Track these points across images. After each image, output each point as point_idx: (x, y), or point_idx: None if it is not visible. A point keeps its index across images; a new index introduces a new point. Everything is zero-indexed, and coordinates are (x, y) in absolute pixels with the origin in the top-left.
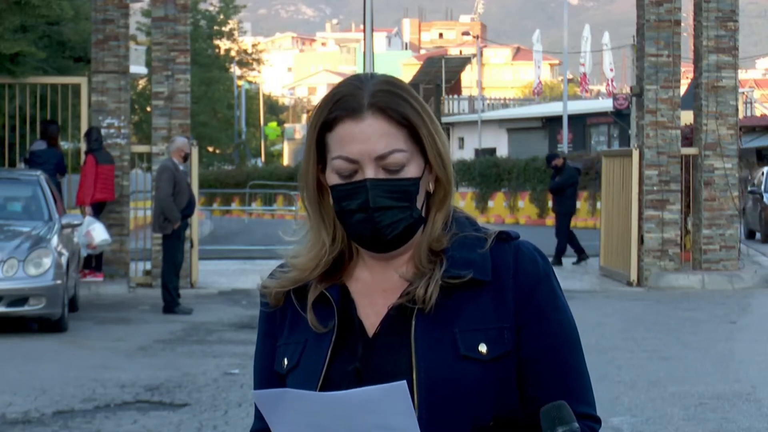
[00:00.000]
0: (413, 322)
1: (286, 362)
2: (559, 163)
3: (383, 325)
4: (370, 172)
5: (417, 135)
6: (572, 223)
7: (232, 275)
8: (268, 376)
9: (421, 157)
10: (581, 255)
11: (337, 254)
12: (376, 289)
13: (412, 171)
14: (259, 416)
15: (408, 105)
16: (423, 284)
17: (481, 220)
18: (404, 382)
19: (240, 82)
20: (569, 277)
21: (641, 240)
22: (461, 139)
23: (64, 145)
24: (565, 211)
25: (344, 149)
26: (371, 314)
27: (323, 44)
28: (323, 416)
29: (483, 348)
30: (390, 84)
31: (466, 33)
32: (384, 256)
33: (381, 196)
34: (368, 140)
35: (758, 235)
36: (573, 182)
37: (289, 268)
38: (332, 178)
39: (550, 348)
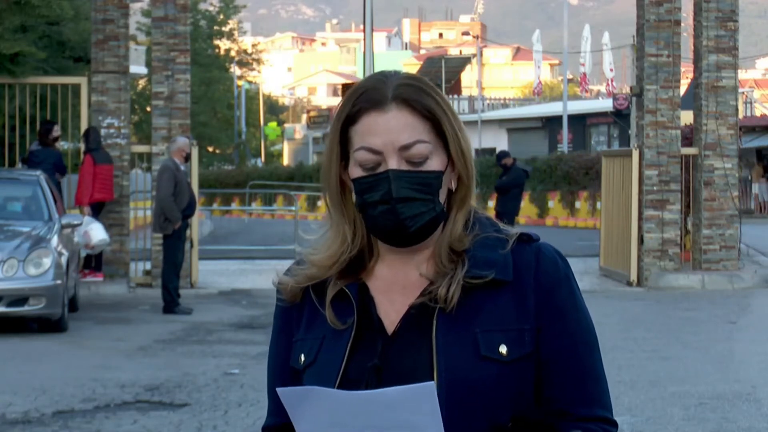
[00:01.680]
0: (434, 322)
1: (303, 358)
2: (509, 162)
3: (403, 323)
4: (393, 163)
5: (440, 130)
6: (573, 224)
7: (232, 275)
8: (283, 371)
9: (444, 153)
10: None
11: (357, 253)
12: (395, 286)
13: (435, 165)
14: (272, 412)
15: (432, 99)
16: (445, 284)
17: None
18: (433, 383)
19: (240, 82)
20: None
21: (641, 240)
22: None
23: (64, 145)
24: (507, 212)
25: (367, 140)
26: (391, 312)
27: (323, 44)
28: (348, 415)
29: (503, 349)
30: (414, 79)
31: (466, 33)
32: (404, 251)
33: (404, 187)
34: (392, 131)
35: None
36: (519, 183)
37: (306, 265)
38: (355, 172)
39: (568, 349)
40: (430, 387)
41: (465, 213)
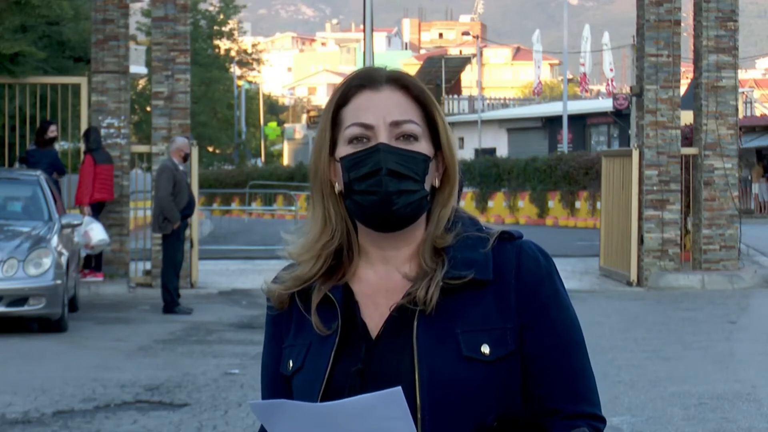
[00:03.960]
0: (415, 324)
1: (291, 364)
2: None
3: (386, 327)
4: (383, 138)
5: (429, 120)
6: (573, 224)
7: (232, 275)
8: (275, 379)
9: (431, 145)
10: None
11: (338, 249)
12: (379, 289)
13: (423, 149)
14: None
15: (423, 89)
16: (424, 285)
17: (481, 220)
18: (399, 388)
19: (240, 82)
20: (569, 277)
21: (641, 240)
22: (461, 139)
23: (64, 145)
24: None
25: (360, 116)
26: (375, 315)
27: (323, 44)
28: (321, 426)
29: (486, 349)
30: (406, 73)
31: (466, 33)
32: (386, 246)
33: (394, 161)
34: (384, 108)
35: None
36: (462, 185)
37: (292, 267)
38: (343, 151)
39: (553, 347)
40: (397, 392)
41: (448, 212)
